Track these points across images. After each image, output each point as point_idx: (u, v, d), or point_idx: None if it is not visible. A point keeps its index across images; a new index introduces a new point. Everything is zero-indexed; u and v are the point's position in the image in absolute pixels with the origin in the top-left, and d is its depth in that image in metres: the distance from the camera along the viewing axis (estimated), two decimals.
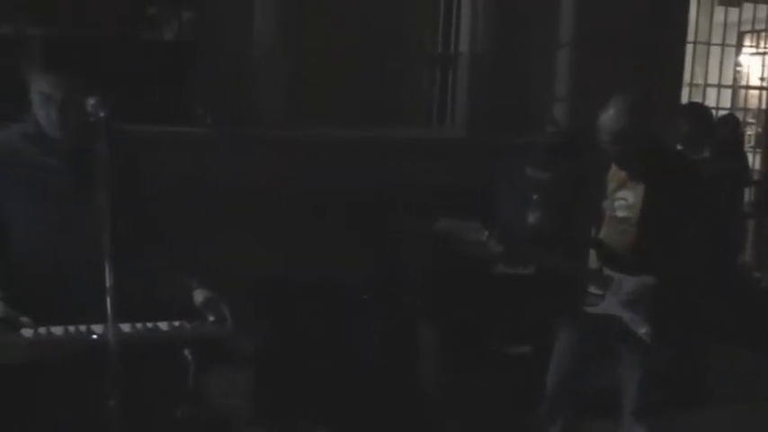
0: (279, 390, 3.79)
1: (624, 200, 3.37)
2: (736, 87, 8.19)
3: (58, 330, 2.43)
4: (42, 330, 2.39)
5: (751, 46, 8.36)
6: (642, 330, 3.28)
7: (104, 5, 4.62)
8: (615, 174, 3.40)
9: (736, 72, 8.24)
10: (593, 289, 3.38)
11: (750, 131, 8.00)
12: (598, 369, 3.54)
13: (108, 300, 2.27)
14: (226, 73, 4.73)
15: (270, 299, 3.79)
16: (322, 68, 5.11)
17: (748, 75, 8.44)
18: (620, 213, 3.37)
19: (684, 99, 6.58)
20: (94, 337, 2.40)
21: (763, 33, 8.17)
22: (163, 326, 2.50)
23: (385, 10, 5.24)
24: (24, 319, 2.40)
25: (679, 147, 4.79)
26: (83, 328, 2.44)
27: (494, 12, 5.26)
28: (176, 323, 2.52)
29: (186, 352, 2.39)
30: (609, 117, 3.25)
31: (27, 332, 2.38)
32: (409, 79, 5.43)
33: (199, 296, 2.65)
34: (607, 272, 3.34)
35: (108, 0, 4.63)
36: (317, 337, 3.83)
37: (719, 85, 7.72)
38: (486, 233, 3.26)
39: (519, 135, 4.80)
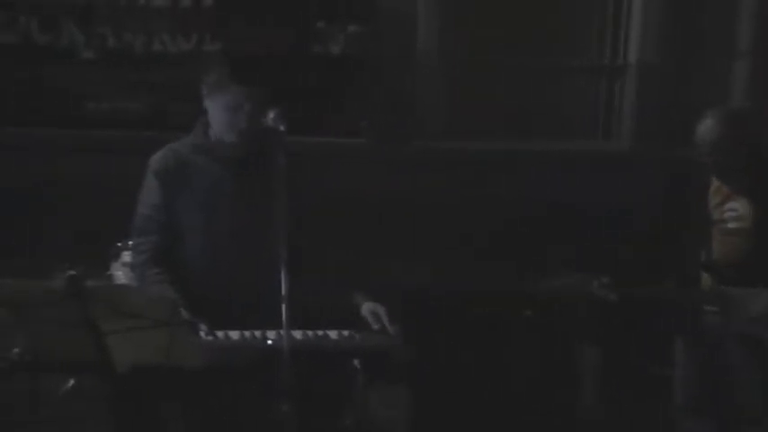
0: (436, 405, 3.78)
1: (734, 210, 3.20)
2: None
3: (234, 335, 2.52)
4: (221, 335, 2.48)
5: None
6: None
7: (277, 21, 4.77)
8: (718, 188, 3.21)
9: None
10: (710, 307, 3.22)
11: None
12: (731, 387, 3.36)
13: (283, 307, 2.33)
14: (389, 86, 4.80)
15: (425, 313, 3.79)
16: (484, 81, 5.10)
17: None
18: (731, 225, 3.20)
19: None
20: (269, 342, 2.47)
21: None
22: (333, 335, 2.55)
23: (550, 20, 5.17)
24: (203, 324, 2.50)
25: None
26: (257, 333, 2.52)
27: (666, 20, 5.07)
28: (345, 333, 2.56)
29: (355, 362, 2.43)
30: (705, 128, 3.12)
31: (207, 336, 2.48)
32: (574, 90, 5.32)
33: (364, 307, 2.69)
34: (723, 289, 3.17)
35: (281, 15, 4.77)
36: (474, 354, 3.80)
37: None
38: None
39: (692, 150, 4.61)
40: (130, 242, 2.85)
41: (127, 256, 4.10)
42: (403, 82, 4.83)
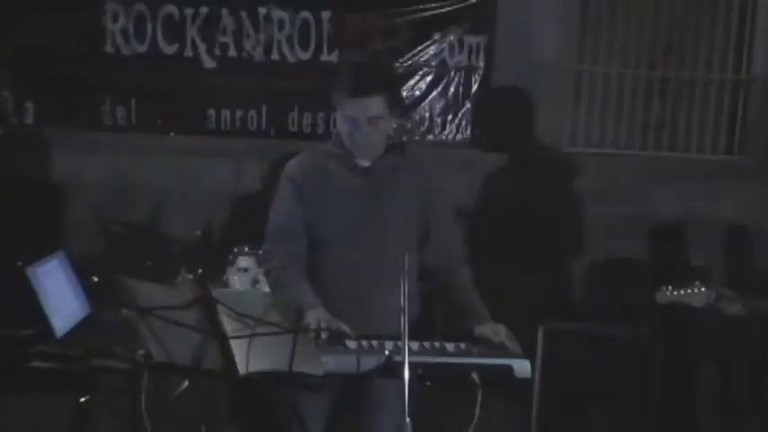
0: (556, 422, 3.70)
1: None
2: None
3: (352, 344, 2.52)
4: (343, 343, 2.48)
5: None
6: None
7: (393, 32, 4.80)
8: None
9: None
10: None
11: None
12: None
13: (402, 317, 2.31)
14: (508, 97, 4.77)
15: (548, 328, 3.72)
16: (603, 93, 5.02)
17: None
18: None
19: None
20: (387, 352, 2.46)
21: None
22: (450, 347, 2.52)
23: (674, 34, 5.03)
24: (344, 328, 2.50)
25: None
26: (375, 343, 2.51)
27: None
28: (462, 345, 2.53)
29: (473, 375, 2.39)
30: None
31: (335, 343, 2.48)
32: (697, 103, 5.15)
33: (482, 321, 2.65)
34: None
35: (396, 27, 4.80)
36: (594, 370, 3.70)
37: None
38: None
39: None
40: (264, 248, 2.87)
41: (243, 262, 4.18)
42: (522, 93, 4.79)
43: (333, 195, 2.75)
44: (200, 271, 4.04)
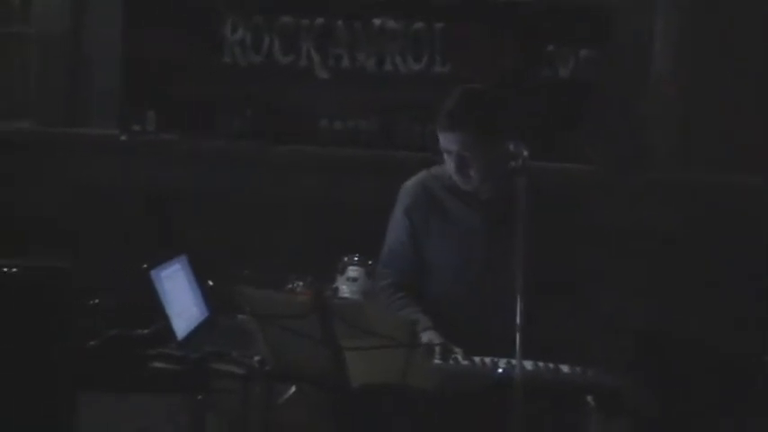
0: None
1: None
2: None
3: (464, 362, 2.51)
4: (452, 361, 2.48)
5: None
6: None
7: (507, 45, 4.76)
8: None
9: None
10: None
11: None
12: None
13: (517, 337, 2.29)
14: (621, 113, 4.67)
15: (661, 354, 3.62)
16: (716, 112, 4.85)
17: None
18: None
19: None
20: (499, 371, 2.44)
21: None
22: (564, 368, 2.49)
23: None
24: (457, 349, 2.50)
25: None
26: (488, 361, 2.50)
27: None
28: (578, 368, 2.49)
29: (589, 399, 2.35)
30: None
31: (447, 361, 2.48)
32: None
33: (597, 344, 2.61)
34: None
35: (510, 39, 4.76)
36: (709, 398, 3.59)
37: None
38: None
39: None
40: (378, 268, 2.93)
41: (352, 271, 4.22)
42: (636, 108, 4.68)
43: (445, 226, 2.77)
44: (309, 279, 4.10)
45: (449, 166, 2.72)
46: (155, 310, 3.67)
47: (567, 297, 2.74)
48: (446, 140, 2.66)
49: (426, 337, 2.56)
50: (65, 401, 3.08)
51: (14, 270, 3.17)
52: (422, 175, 2.88)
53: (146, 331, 3.97)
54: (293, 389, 3.82)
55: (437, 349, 2.50)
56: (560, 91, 4.75)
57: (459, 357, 2.50)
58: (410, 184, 2.86)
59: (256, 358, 2.63)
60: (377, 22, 4.79)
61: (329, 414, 3.41)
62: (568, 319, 2.68)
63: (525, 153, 2.41)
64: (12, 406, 2.99)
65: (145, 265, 2.83)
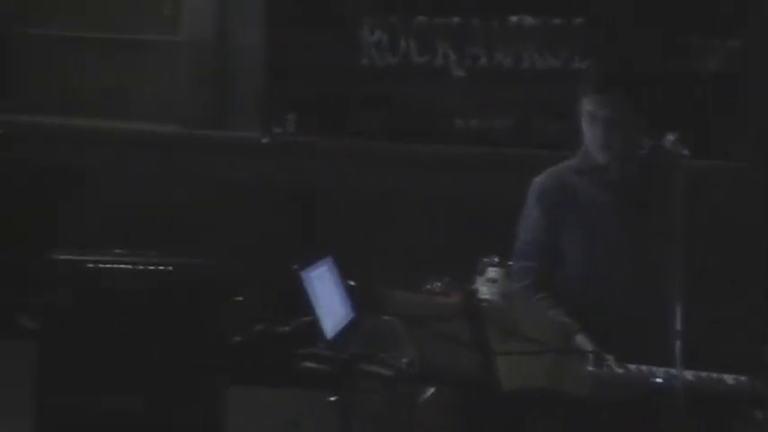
0: None
1: None
2: None
3: (618, 369, 2.44)
4: (611, 367, 2.42)
5: None
6: None
7: (648, 37, 4.61)
8: None
9: None
10: None
11: None
12: None
13: (677, 344, 2.21)
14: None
15: None
16: None
17: None
18: None
19: None
20: (657, 380, 2.36)
21: None
22: (728, 378, 2.38)
23: None
24: (608, 356, 2.45)
25: None
26: (644, 369, 2.42)
27: None
28: (743, 378, 2.38)
29: (757, 413, 2.24)
30: None
31: (605, 368, 2.42)
32: None
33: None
34: None
35: (651, 32, 4.61)
36: None
37: None
38: None
39: None
40: (514, 265, 2.88)
41: (492, 272, 4.18)
42: None
43: (580, 213, 2.71)
44: (447, 280, 4.09)
45: (589, 136, 2.66)
46: (297, 308, 3.75)
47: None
48: (596, 104, 2.59)
49: (578, 341, 2.50)
50: (213, 393, 3.20)
51: (170, 268, 3.32)
52: (551, 168, 2.85)
53: (287, 328, 4.07)
54: (432, 390, 3.83)
55: (590, 356, 2.44)
56: (702, 83, 4.57)
57: (613, 364, 2.44)
58: (540, 177, 2.84)
59: (404, 360, 2.64)
60: (514, 19, 4.73)
61: (471, 417, 3.40)
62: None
63: (685, 152, 2.34)
64: (164, 398, 3.13)
65: (295, 266, 2.89)
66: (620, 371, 2.42)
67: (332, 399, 2.98)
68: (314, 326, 2.97)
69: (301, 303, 3.03)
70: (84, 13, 5.23)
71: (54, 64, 5.23)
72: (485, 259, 4.06)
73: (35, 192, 4.80)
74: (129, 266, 3.28)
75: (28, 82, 5.26)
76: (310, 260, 3.01)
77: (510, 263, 3.33)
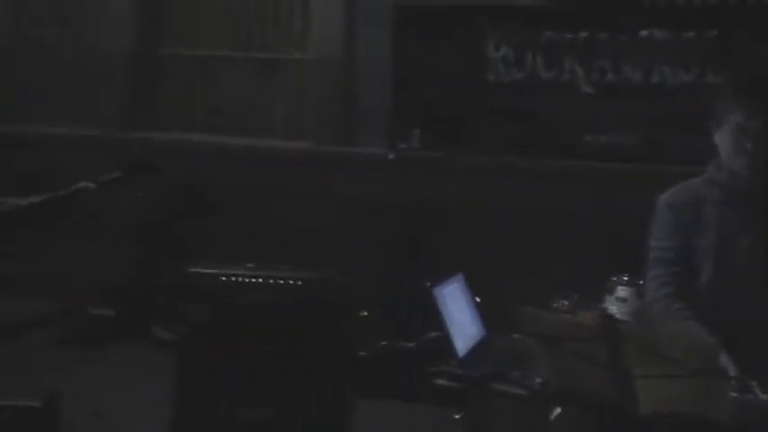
0: None
1: None
2: None
3: (763, 396, 2.34)
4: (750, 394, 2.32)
5: None
6: None
7: None
8: None
9: None
10: None
11: None
12: None
13: None
14: None
15: None
16: None
17: None
18: None
19: None
20: None
21: None
22: None
23: None
24: (753, 382, 2.36)
25: None
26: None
27: None
28: None
29: None
30: None
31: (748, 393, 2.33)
32: None
33: None
34: None
35: None
36: None
37: None
38: None
39: None
40: (646, 279, 2.80)
41: (622, 291, 4.09)
42: None
43: (711, 225, 2.61)
44: (574, 298, 4.03)
45: (731, 147, 2.57)
46: (424, 324, 3.75)
47: None
48: (744, 112, 2.52)
49: (722, 362, 2.41)
50: (342, 408, 3.23)
51: (299, 283, 3.39)
52: (681, 183, 2.78)
53: (413, 345, 4.09)
54: (558, 410, 3.76)
55: (733, 380, 2.35)
56: None
57: (758, 390, 2.34)
58: (670, 190, 2.77)
59: (538, 380, 2.61)
60: (643, 33, 4.63)
61: None
62: None
63: None
64: (294, 411, 3.18)
65: (427, 283, 2.90)
66: (766, 397, 2.32)
67: (457, 416, 2.97)
68: (441, 343, 2.97)
69: (430, 319, 3.04)
70: (222, 33, 5.44)
71: (197, 83, 5.47)
72: (614, 278, 3.98)
73: (172, 206, 4.99)
74: (261, 280, 3.36)
75: (171, 100, 5.51)
76: (441, 277, 3.00)
77: (640, 282, 3.25)
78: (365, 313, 3.69)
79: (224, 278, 3.49)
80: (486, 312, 3.34)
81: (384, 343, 4.19)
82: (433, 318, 2.92)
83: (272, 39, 5.38)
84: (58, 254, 4.92)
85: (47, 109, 5.42)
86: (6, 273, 4.80)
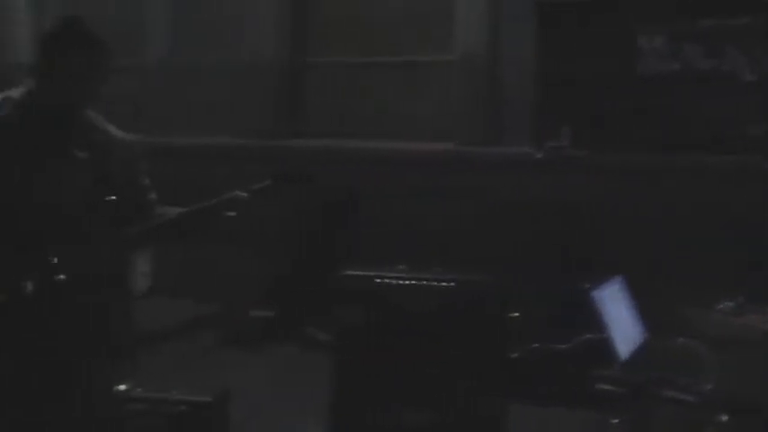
0: None
1: None
2: None
3: None
4: None
5: None
6: None
7: None
8: None
9: None
10: None
11: None
12: None
13: None
14: None
15: None
16: None
17: None
18: None
19: None
20: None
21: None
22: None
23: None
24: None
25: None
26: None
27: None
28: None
29: None
30: None
31: None
32: None
33: None
34: None
35: None
36: None
37: None
38: None
39: None
40: None
41: None
42: None
43: None
44: (740, 300, 3.83)
45: None
46: (578, 326, 3.66)
47: None
48: None
49: None
50: (499, 410, 3.19)
51: (452, 284, 3.37)
52: None
53: (566, 347, 3.99)
54: (724, 417, 3.58)
55: None
56: None
57: None
58: None
59: (708, 386, 2.49)
60: None
61: None
62: None
63: None
64: (452, 413, 3.16)
65: (587, 285, 2.82)
66: None
67: (615, 421, 2.87)
68: (598, 345, 2.89)
69: (585, 322, 2.95)
70: (365, 39, 5.49)
71: (343, 90, 5.55)
72: None
73: (325, 212, 5.07)
74: (414, 282, 3.36)
75: (319, 108, 5.62)
76: (599, 279, 2.92)
77: None
78: (516, 315, 3.63)
79: (378, 280, 3.53)
80: (646, 315, 3.22)
81: (536, 345, 4.12)
82: (592, 320, 2.84)
83: (414, 41, 5.39)
84: (218, 260, 5.10)
85: (201, 120, 5.64)
86: (172, 278, 5.03)
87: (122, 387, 2.72)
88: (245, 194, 2.17)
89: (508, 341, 3.51)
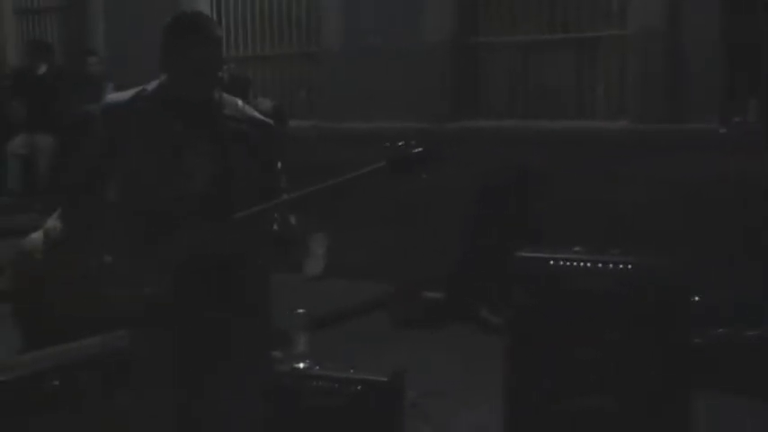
0: None
1: None
2: None
3: None
4: None
5: None
6: None
7: None
8: None
9: None
10: None
11: None
12: None
13: None
14: None
15: None
16: None
17: None
18: None
19: None
20: None
21: None
22: None
23: None
24: None
25: None
26: None
27: None
28: None
29: None
30: None
31: None
32: None
33: None
34: None
35: None
36: None
37: None
38: None
39: None
40: None
41: None
42: None
43: None
44: None
45: None
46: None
47: None
48: None
49: None
50: (685, 398, 3.06)
51: (629, 267, 3.25)
52: None
53: (755, 333, 3.78)
54: None
55: None
56: None
57: None
58: None
59: None
60: None
61: None
62: None
63: None
64: (636, 399, 3.05)
65: None
66: None
67: None
68: None
69: None
70: (538, 16, 5.39)
71: (516, 69, 5.49)
72: None
73: (501, 193, 5.01)
74: (590, 264, 3.28)
75: (488, 88, 5.58)
76: None
77: None
78: (697, 299, 3.47)
79: (552, 262, 3.46)
80: None
81: (721, 330, 3.92)
82: None
83: (589, 16, 5.23)
84: (391, 241, 5.18)
85: (378, 105, 5.70)
86: (347, 260, 5.17)
87: (301, 365, 2.83)
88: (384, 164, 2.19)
89: (690, 326, 3.36)
